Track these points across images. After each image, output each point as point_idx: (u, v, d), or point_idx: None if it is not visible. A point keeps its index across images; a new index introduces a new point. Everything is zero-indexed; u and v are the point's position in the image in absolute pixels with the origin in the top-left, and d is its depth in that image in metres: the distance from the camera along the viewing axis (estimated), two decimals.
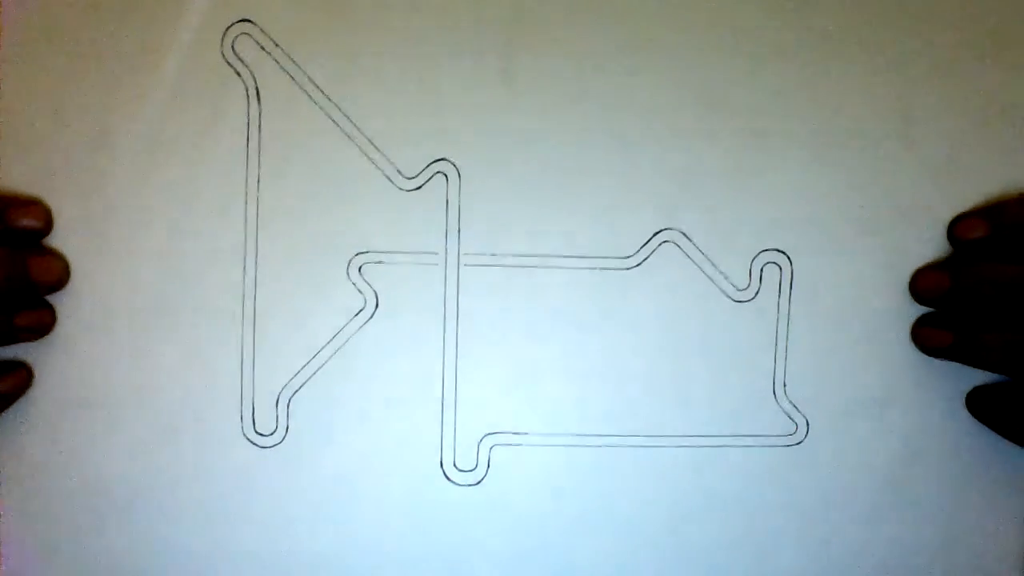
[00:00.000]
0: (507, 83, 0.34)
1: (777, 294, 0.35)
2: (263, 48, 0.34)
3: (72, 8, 0.33)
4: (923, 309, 0.35)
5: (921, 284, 0.35)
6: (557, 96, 0.34)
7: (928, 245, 0.35)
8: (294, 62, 0.34)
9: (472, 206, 0.34)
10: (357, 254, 0.34)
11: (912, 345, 0.35)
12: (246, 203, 0.34)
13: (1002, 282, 0.33)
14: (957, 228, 0.34)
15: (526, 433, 0.35)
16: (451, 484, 0.35)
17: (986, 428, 0.35)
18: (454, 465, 0.35)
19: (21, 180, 0.33)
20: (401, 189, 0.34)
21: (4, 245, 0.32)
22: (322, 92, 0.34)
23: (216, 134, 0.34)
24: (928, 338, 0.35)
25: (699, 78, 0.34)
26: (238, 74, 0.34)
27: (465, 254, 0.34)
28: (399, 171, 0.34)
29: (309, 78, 0.34)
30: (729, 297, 0.35)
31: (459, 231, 0.34)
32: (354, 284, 0.34)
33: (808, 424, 0.35)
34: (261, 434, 0.34)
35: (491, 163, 0.34)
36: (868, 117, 0.35)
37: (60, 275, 0.33)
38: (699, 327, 0.35)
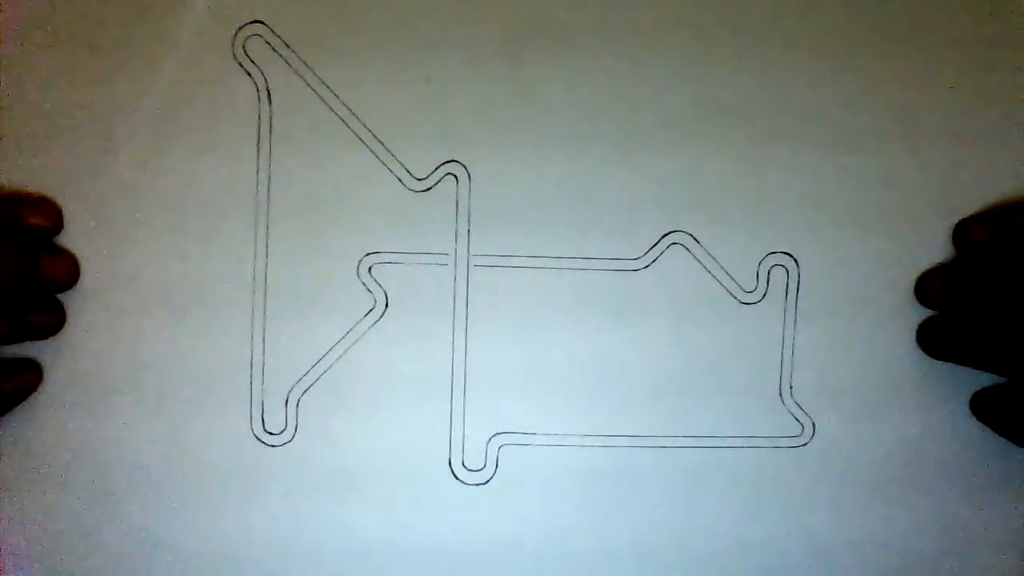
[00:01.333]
0: (516, 85, 0.34)
1: (784, 296, 0.35)
2: (274, 49, 0.34)
3: (84, 7, 0.33)
4: (928, 312, 0.35)
5: (928, 287, 0.35)
6: (566, 98, 0.34)
7: (933, 248, 0.35)
8: (305, 63, 0.34)
9: (482, 207, 0.34)
10: (367, 254, 0.34)
11: (917, 347, 0.35)
12: (256, 203, 0.34)
13: (1009, 286, 0.33)
14: (962, 232, 0.35)
15: (534, 433, 0.35)
16: (459, 483, 0.35)
17: (990, 430, 0.35)
18: (463, 464, 0.35)
19: (31, 180, 0.33)
20: (411, 190, 0.34)
21: (15, 244, 0.32)
22: (332, 93, 0.34)
23: (227, 134, 0.34)
24: (933, 340, 0.35)
25: (706, 81, 0.34)
26: (249, 75, 0.34)
27: (474, 255, 0.35)
28: (409, 172, 0.34)
29: (320, 79, 0.34)
30: (736, 299, 0.35)
31: (468, 232, 0.35)
32: (364, 284, 0.34)
33: (814, 426, 0.36)
34: (270, 433, 0.35)
35: (501, 165, 0.34)
36: (873, 121, 0.35)
37: (70, 274, 0.33)
38: (706, 329, 0.35)
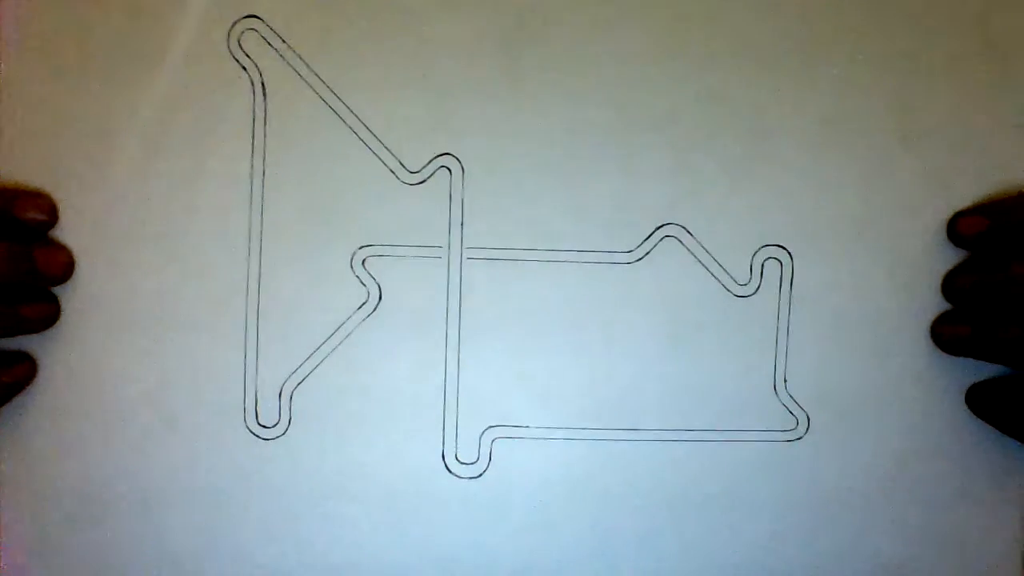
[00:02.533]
0: (510, 79, 0.34)
1: (778, 289, 0.35)
2: (269, 44, 0.34)
3: (80, 2, 0.33)
4: (926, 306, 0.35)
5: (957, 282, 0.35)
6: (560, 91, 0.34)
7: (927, 241, 0.35)
8: (300, 57, 0.34)
9: (475, 200, 0.35)
10: (361, 247, 0.34)
11: (912, 340, 0.35)
12: (251, 196, 0.34)
13: (1013, 281, 0.33)
14: (958, 225, 0.35)
15: (527, 426, 0.35)
16: (452, 476, 0.35)
17: (985, 424, 0.35)
18: (456, 458, 0.35)
19: (27, 173, 0.34)
20: (405, 183, 0.34)
21: (10, 238, 0.32)
22: (327, 87, 0.34)
23: (222, 128, 0.34)
24: (947, 333, 0.35)
25: (701, 75, 0.35)
26: (244, 69, 0.34)
27: (468, 248, 0.35)
28: (403, 165, 0.34)
29: (314, 73, 0.34)
30: (730, 292, 0.35)
31: (462, 225, 0.35)
32: (358, 277, 0.34)
33: (808, 419, 0.35)
34: (264, 426, 0.35)
35: (494, 158, 0.34)
36: (867, 114, 0.35)
37: (65, 268, 0.33)
38: (700, 322, 0.35)
